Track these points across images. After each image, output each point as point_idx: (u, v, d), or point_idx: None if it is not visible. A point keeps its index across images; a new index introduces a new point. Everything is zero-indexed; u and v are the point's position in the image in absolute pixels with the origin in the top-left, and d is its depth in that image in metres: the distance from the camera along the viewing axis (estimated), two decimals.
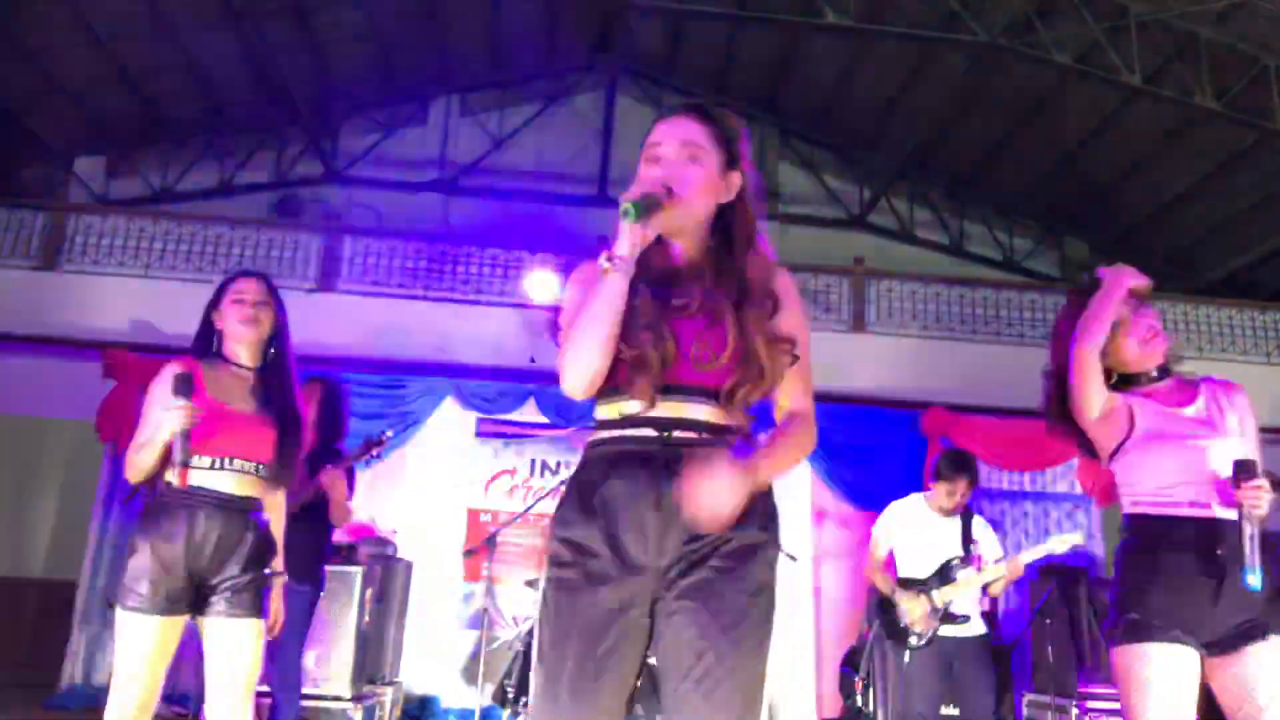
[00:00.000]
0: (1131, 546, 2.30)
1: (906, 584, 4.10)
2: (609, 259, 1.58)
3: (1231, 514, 2.19)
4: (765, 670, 1.56)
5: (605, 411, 1.64)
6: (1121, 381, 2.41)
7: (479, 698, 5.65)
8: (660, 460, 1.56)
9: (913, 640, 4.01)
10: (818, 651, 7.40)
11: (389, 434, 4.10)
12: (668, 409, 1.58)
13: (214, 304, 2.75)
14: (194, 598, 2.57)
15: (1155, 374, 2.41)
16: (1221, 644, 2.18)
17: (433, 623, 7.07)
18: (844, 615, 7.47)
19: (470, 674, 6.84)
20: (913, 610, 4.04)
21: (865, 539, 7.64)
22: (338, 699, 5.22)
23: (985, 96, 9.73)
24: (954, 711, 4.20)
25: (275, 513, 2.77)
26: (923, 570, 4.10)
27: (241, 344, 2.71)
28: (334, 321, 7.82)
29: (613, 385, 1.60)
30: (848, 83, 10.60)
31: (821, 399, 7.00)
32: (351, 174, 11.11)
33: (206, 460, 2.59)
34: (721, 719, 1.49)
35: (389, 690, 6.05)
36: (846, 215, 11.61)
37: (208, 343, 2.73)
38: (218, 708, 2.55)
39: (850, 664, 6.44)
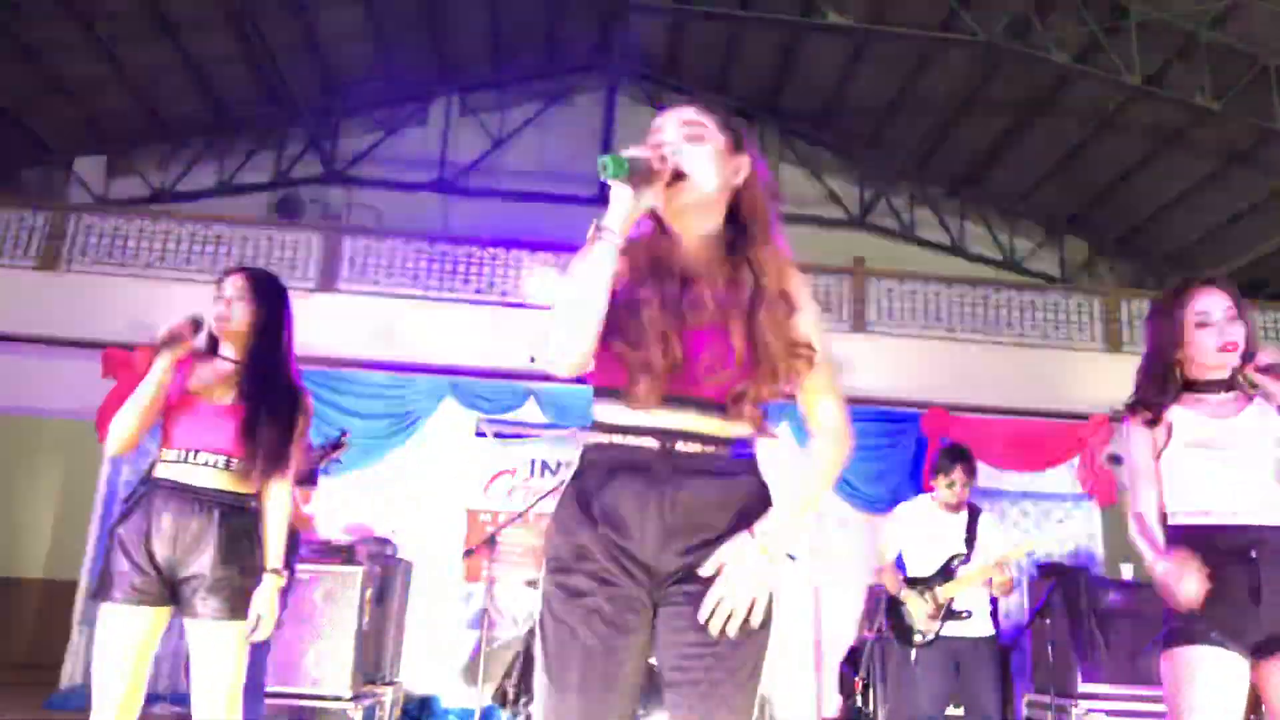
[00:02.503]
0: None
1: (912, 583, 4.11)
2: (596, 228, 1.48)
3: (1266, 518, 2.22)
4: (760, 672, 1.56)
5: (605, 414, 1.58)
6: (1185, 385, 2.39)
7: (479, 698, 5.65)
8: (661, 471, 1.52)
9: (917, 638, 4.02)
10: (818, 651, 7.40)
11: (346, 437, 4.05)
12: (672, 418, 1.53)
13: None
14: (168, 592, 2.53)
15: (1219, 383, 2.36)
16: (1268, 646, 2.17)
17: (433, 623, 7.07)
18: (844, 615, 7.47)
19: (470, 674, 6.84)
20: (916, 608, 4.05)
21: (865, 539, 7.69)
22: (338, 699, 5.22)
23: (985, 96, 9.74)
24: (958, 712, 4.20)
25: (273, 508, 2.69)
26: (928, 569, 4.11)
27: (223, 338, 2.71)
28: (334, 321, 7.82)
29: (614, 387, 1.54)
30: (848, 83, 10.60)
31: None
32: (351, 174, 11.11)
33: (174, 453, 2.59)
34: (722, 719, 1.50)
35: (389, 690, 6.05)
36: (846, 215, 11.61)
37: (212, 340, 2.73)
38: (199, 713, 2.52)
39: (850, 664, 6.44)
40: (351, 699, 5.26)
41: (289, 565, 4.05)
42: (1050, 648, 5.72)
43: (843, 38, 9.40)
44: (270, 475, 2.65)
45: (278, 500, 2.70)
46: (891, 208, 11.63)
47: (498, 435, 7.70)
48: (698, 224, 1.60)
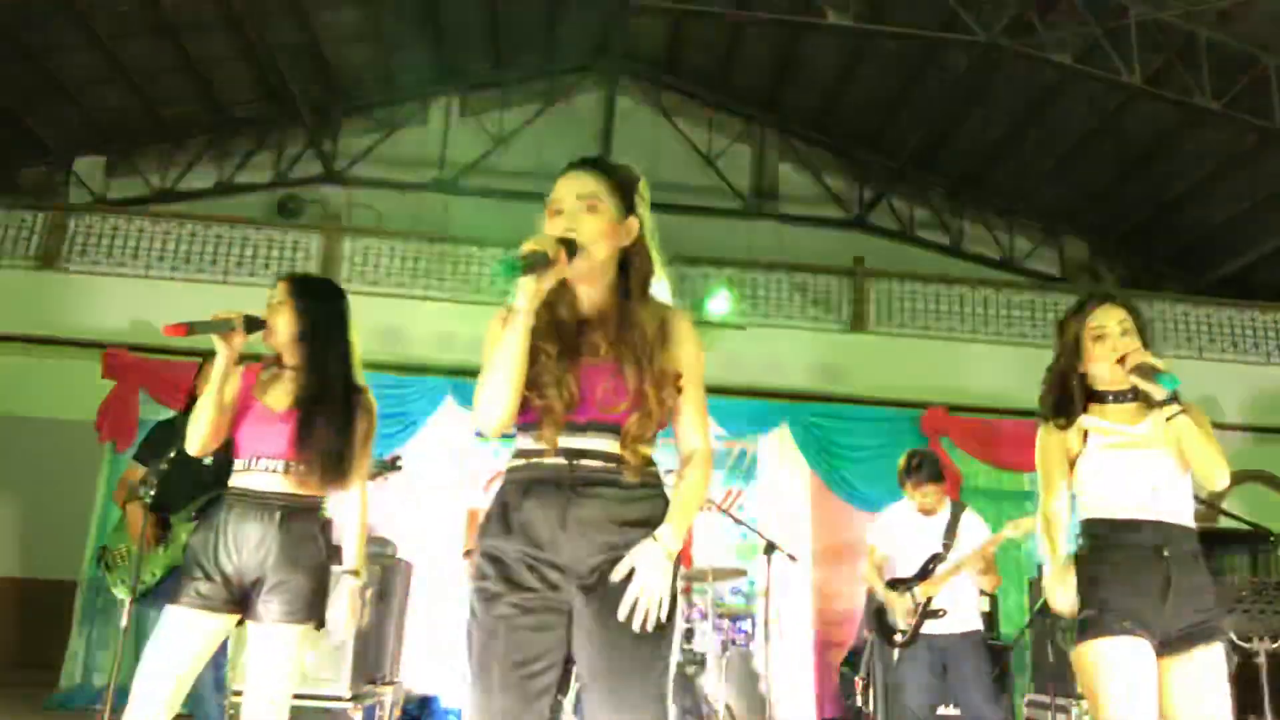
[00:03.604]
0: (1084, 551, 2.46)
1: (893, 584, 4.21)
2: (508, 310, 1.73)
3: (1172, 517, 2.37)
4: (670, 664, 1.76)
5: (523, 443, 1.82)
6: (1092, 396, 2.55)
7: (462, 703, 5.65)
8: (567, 484, 1.75)
9: (897, 637, 4.10)
10: (818, 651, 7.41)
11: (400, 460, 4.09)
12: (576, 441, 1.77)
13: None
14: (236, 598, 2.55)
15: (1125, 391, 2.50)
16: (1173, 644, 2.31)
17: (433, 623, 7.06)
18: (844, 615, 7.48)
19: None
20: (895, 608, 4.14)
21: (865, 539, 7.69)
22: (338, 699, 5.21)
23: (985, 96, 9.73)
24: (954, 712, 4.21)
25: (345, 510, 2.73)
26: (910, 570, 4.20)
27: (275, 348, 2.75)
28: None
29: (529, 421, 1.79)
30: (848, 83, 10.59)
31: (821, 399, 7.02)
32: (351, 174, 11.11)
33: (241, 462, 2.65)
34: (632, 713, 1.68)
35: (389, 690, 6.04)
36: (846, 215, 11.61)
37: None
38: (249, 714, 2.53)
39: (850, 664, 6.45)
40: (351, 699, 5.25)
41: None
42: (1050, 647, 5.72)
43: (842, 38, 9.40)
44: (331, 478, 2.66)
45: (349, 503, 2.75)
46: (891, 208, 11.62)
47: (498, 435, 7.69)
48: (591, 279, 1.84)
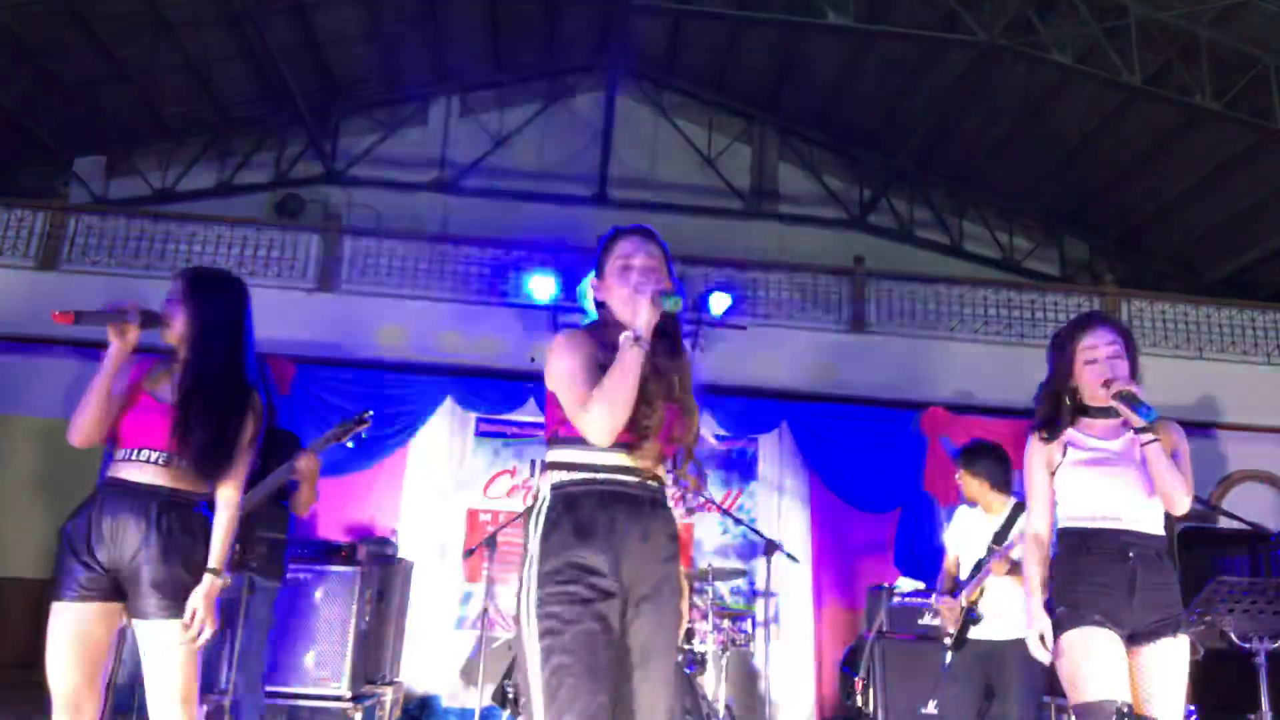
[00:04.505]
0: (1060, 555, 2.68)
1: (957, 587, 4.08)
2: (634, 340, 1.99)
3: (1140, 525, 2.59)
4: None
5: (592, 457, 2.03)
6: (1077, 409, 2.76)
7: (479, 698, 5.66)
8: (646, 500, 2.05)
9: (946, 641, 4.03)
10: (818, 651, 7.40)
11: (369, 414, 4.01)
12: (642, 462, 2.04)
13: None
14: (113, 588, 2.52)
15: (1107, 409, 2.69)
16: (1139, 637, 2.55)
17: (433, 623, 7.07)
18: (844, 615, 7.47)
19: (470, 674, 6.84)
20: (944, 613, 4.07)
21: (865, 539, 7.69)
22: (338, 699, 5.22)
23: (985, 96, 9.73)
24: (934, 711, 4.16)
25: (219, 508, 2.65)
26: (965, 572, 4.09)
27: (170, 340, 2.73)
28: (334, 321, 7.83)
29: (626, 441, 2.04)
30: (848, 83, 10.60)
31: (821, 399, 7.02)
32: (351, 174, 11.11)
33: (121, 452, 2.63)
34: (665, 696, 2.02)
35: (389, 690, 6.05)
36: (846, 215, 11.61)
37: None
38: (155, 715, 2.50)
39: (850, 664, 6.44)
40: (351, 699, 5.26)
41: (282, 568, 4.06)
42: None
43: (842, 38, 9.40)
44: (208, 474, 2.62)
45: (222, 500, 2.66)
46: (891, 208, 11.62)
47: (498, 435, 7.71)
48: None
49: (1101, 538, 2.60)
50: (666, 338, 2.14)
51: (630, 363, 1.97)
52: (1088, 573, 2.58)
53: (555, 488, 2.03)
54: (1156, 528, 2.63)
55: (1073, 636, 2.53)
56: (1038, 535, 2.75)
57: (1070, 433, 2.73)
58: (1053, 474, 2.74)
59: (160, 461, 2.59)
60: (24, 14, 8.53)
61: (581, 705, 1.85)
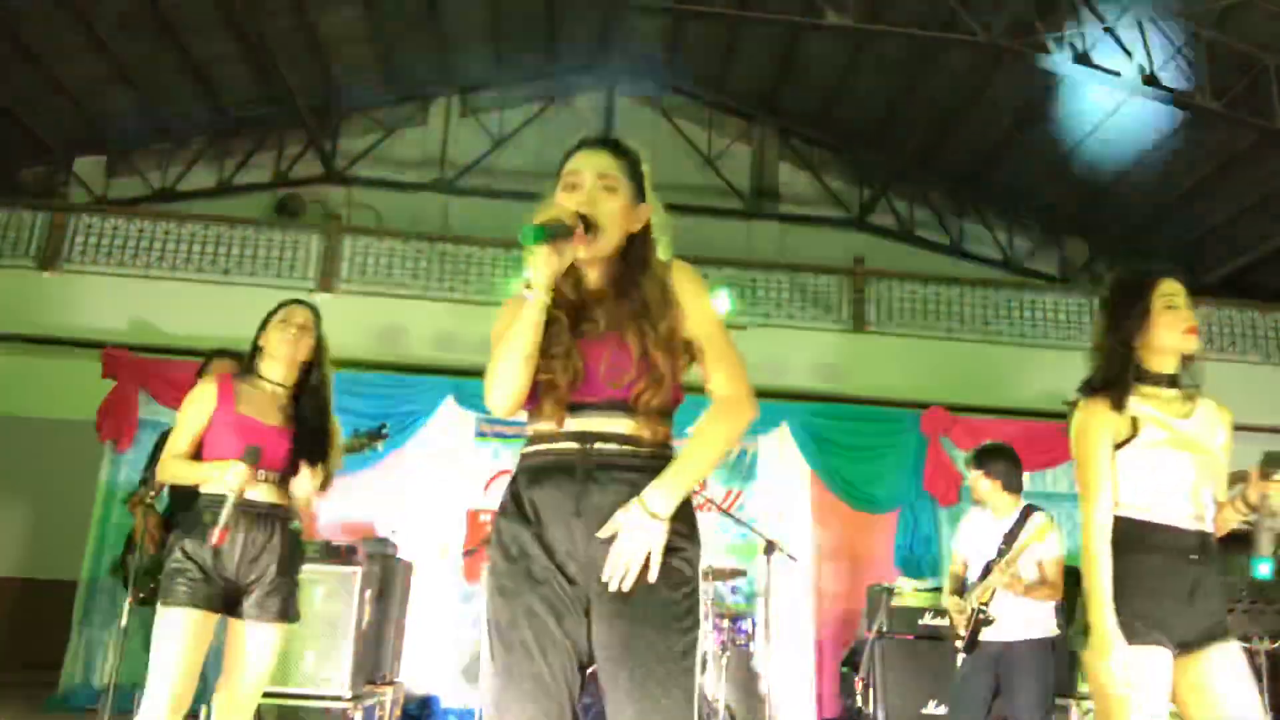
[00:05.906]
0: (1115, 550, 2.29)
1: (966, 589, 4.08)
2: (526, 286, 1.66)
3: (1203, 524, 2.29)
4: (695, 657, 1.65)
5: (534, 427, 1.76)
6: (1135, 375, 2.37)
7: (479, 698, 5.65)
8: (580, 470, 1.68)
9: (957, 643, 4.03)
10: (818, 651, 7.40)
11: (386, 428, 4.03)
12: (587, 424, 1.70)
13: (262, 326, 2.99)
14: (227, 598, 2.75)
15: (1168, 377, 2.38)
16: (1189, 645, 2.25)
17: (433, 623, 7.06)
18: (844, 615, 7.47)
19: (470, 674, 6.84)
20: (955, 615, 4.07)
21: (865, 539, 7.69)
22: (338, 699, 5.21)
23: (985, 96, 9.73)
24: (941, 710, 4.17)
25: (304, 520, 2.98)
26: (974, 575, 4.08)
27: (280, 362, 2.93)
28: (334, 321, 7.77)
29: (537, 404, 1.74)
30: (848, 83, 10.59)
31: (821, 399, 6.99)
32: (351, 174, 11.11)
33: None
34: (654, 705, 1.59)
35: (389, 690, 6.04)
36: (846, 215, 11.61)
37: (251, 361, 2.98)
38: (225, 705, 2.73)
39: (850, 664, 6.44)
40: (351, 699, 5.25)
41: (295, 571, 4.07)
42: (1052, 647, 5.70)
43: (842, 37, 9.39)
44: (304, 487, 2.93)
45: (309, 511, 3.15)
46: (891, 208, 11.62)
47: (498, 435, 7.70)
48: (601, 260, 1.78)
49: (1169, 536, 2.26)
50: (626, 265, 1.77)
51: (522, 315, 1.66)
52: (1146, 576, 2.25)
53: (517, 465, 1.79)
54: (1213, 525, 2.33)
55: (1129, 656, 2.21)
56: (1104, 532, 2.28)
57: (1136, 404, 2.31)
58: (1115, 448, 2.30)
59: (277, 481, 2.89)
60: (24, 14, 8.52)
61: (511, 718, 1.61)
